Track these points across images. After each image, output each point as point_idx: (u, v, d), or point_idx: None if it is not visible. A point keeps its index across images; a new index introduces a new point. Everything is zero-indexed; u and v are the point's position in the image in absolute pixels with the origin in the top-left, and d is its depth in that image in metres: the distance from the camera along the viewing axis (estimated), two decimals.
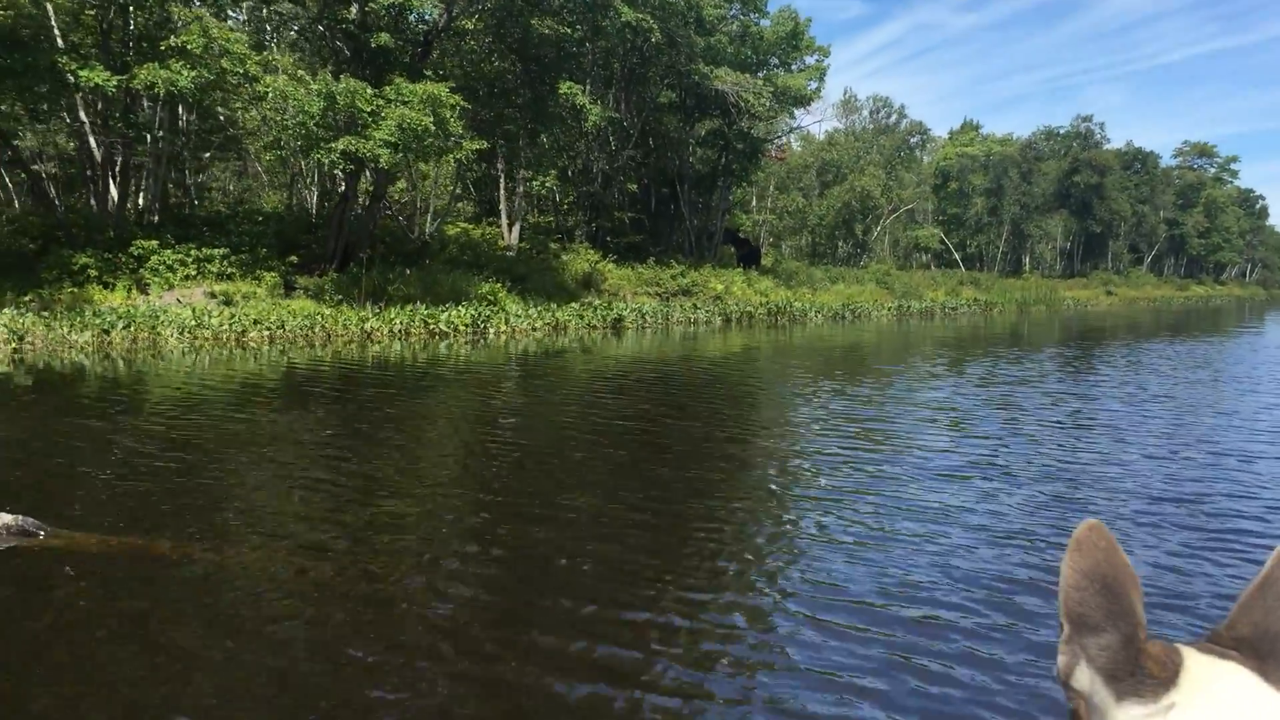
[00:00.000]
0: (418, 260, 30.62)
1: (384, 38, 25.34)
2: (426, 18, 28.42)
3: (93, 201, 27.89)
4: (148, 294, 24.27)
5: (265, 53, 26.99)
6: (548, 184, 37.89)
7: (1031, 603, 5.84)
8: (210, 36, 22.47)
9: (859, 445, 11.03)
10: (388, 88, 24.54)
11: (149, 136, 28.19)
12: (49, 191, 32.89)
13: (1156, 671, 0.89)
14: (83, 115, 26.79)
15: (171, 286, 24.57)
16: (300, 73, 24.75)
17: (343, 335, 23.50)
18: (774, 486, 9.12)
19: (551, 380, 18.00)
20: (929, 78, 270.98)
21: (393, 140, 23.76)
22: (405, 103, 24.21)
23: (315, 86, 23.29)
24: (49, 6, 26.20)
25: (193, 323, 21.81)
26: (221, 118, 34.28)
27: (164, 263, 24.72)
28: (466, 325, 26.01)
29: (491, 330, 26.50)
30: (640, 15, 31.36)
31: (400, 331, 24.73)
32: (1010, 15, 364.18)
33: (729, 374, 19.59)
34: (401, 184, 39.07)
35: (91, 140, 26.59)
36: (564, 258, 37.01)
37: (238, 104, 30.37)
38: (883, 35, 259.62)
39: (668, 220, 47.80)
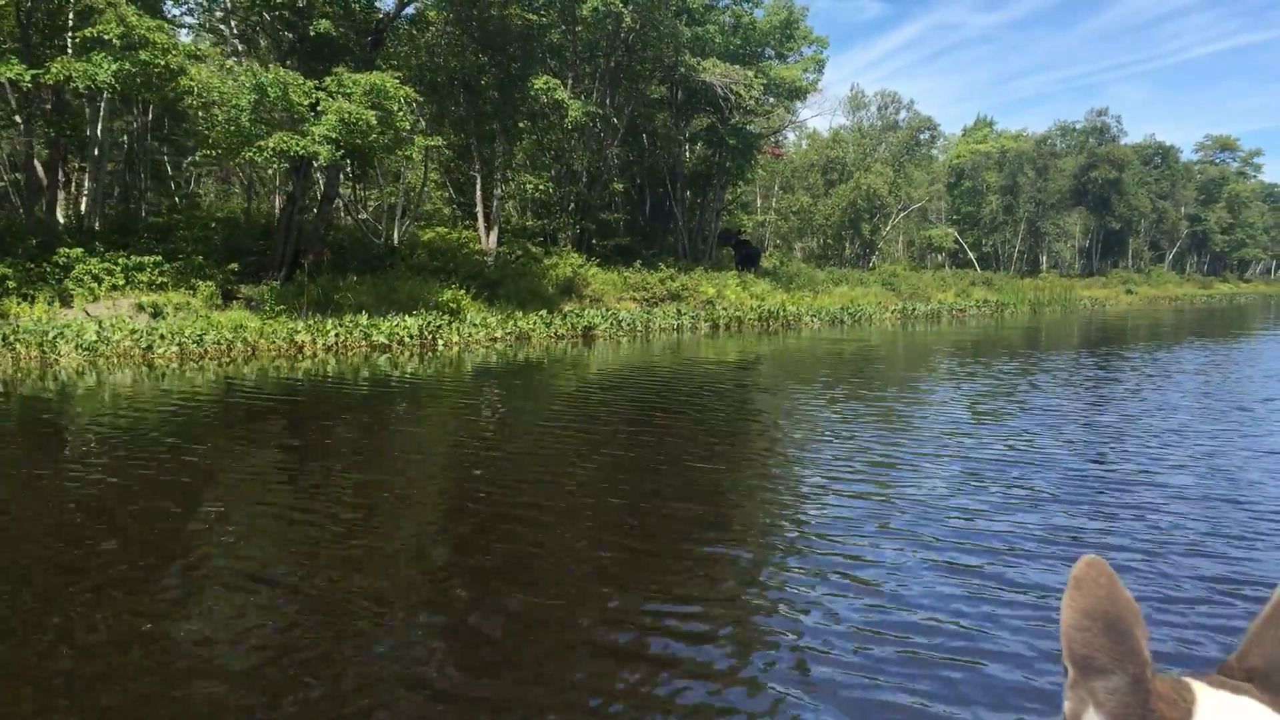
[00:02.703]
0: (381, 266, 28.64)
1: (324, 25, 23.31)
2: (377, 4, 26.43)
3: (40, 208, 26.15)
4: (71, 306, 22.40)
5: (192, 42, 25.03)
6: (540, 186, 35.82)
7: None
8: (128, 25, 20.55)
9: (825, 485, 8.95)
10: (328, 79, 22.60)
11: (87, 137, 26.46)
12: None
13: (1168, 713, 0.85)
14: (17, 117, 25.12)
15: (97, 298, 22.65)
16: (228, 64, 22.75)
17: (269, 350, 21.33)
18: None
19: (493, 400, 15.94)
20: (948, 79, 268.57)
21: (333, 136, 21.81)
22: (347, 95, 22.29)
23: (243, 78, 21.31)
24: None
25: (93, 338, 19.69)
26: (202, 120, 32.33)
27: (89, 272, 22.77)
28: (412, 337, 23.74)
29: (441, 342, 24.23)
30: (609, 0, 29.26)
31: (337, 345, 22.52)
32: (1030, 14, 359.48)
33: (694, 390, 17.42)
34: (382, 187, 37.13)
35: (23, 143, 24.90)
36: (545, 262, 34.84)
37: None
38: (901, 36, 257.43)
39: (662, 222, 45.67)
